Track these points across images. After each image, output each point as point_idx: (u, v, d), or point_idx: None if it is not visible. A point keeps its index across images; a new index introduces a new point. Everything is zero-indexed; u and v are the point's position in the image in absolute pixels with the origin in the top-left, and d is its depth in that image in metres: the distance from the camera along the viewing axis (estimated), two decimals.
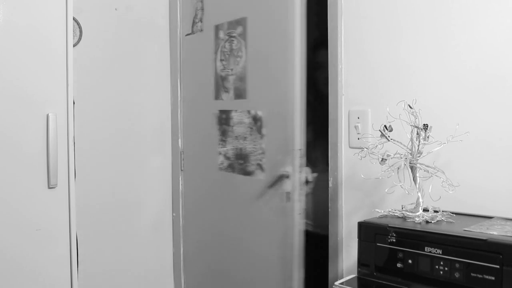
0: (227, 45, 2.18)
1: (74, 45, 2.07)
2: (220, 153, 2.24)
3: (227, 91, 2.19)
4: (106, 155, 2.38)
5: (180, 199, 2.50)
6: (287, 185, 1.84)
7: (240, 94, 2.12)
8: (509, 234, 1.12)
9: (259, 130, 2.00)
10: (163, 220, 2.55)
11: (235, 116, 2.14)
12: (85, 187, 2.21)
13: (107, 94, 2.37)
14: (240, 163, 2.12)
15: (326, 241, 1.99)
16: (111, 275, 2.41)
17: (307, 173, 1.92)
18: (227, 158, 2.19)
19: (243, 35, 2.08)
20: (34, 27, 1.51)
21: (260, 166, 2.00)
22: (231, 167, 2.17)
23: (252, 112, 2.03)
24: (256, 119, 2.02)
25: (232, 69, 2.16)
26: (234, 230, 2.22)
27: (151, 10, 2.48)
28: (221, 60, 2.22)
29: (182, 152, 2.49)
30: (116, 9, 2.38)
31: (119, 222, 2.42)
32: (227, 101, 2.19)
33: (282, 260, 1.89)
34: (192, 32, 2.38)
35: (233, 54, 2.15)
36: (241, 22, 2.08)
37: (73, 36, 2.07)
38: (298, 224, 1.82)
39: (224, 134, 2.21)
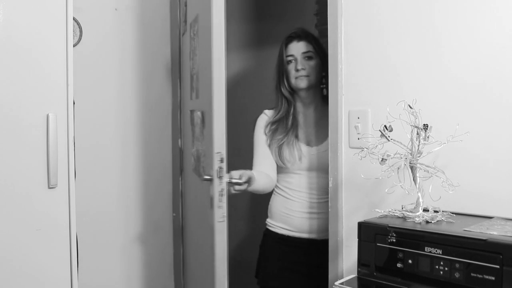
0: (192, 43, 2.11)
1: (74, 45, 2.07)
2: (191, 154, 2.17)
3: (193, 90, 2.12)
4: (106, 155, 2.38)
5: (180, 199, 2.50)
6: (210, 190, 1.71)
7: (197, 93, 2.04)
8: (509, 234, 1.12)
9: (202, 131, 1.91)
10: (163, 220, 2.55)
11: (195, 116, 2.06)
12: (85, 187, 2.21)
13: (107, 94, 2.37)
14: (197, 165, 2.04)
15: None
16: (111, 275, 2.41)
17: (231, 178, 1.77)
18: (194, 159, 2.12)
19: (197, 33, 2.00)
20: (34, 27, 1.51)
21: (203, 169, 1.89)
22: (195, 169, 2.10)
23: (199, 112, 1.95)
24: (202, 120, 1.92)
25: (194, 68, 2.09)
26: (194, 235, 2.22)
27: (151, 10, 2.48)
28: (191, 59, 2.16)
29: (182, 152, 2.48)
30: (116, 9, 2.38)
31: (119, 222, 2.42)
32: (193, 101, 2.14)
33: (209, 267, 1.76)
34: (186, 31, 2.35)
35: (195, 53, 2.07)
36: (196, 19, 2.00)
37: (73, 36, 2.07)
38: (219, 232, 1.66)
39: (193, 135, 2.13)
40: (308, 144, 2.03)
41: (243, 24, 3.07)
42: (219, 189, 1.65)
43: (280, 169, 2.06)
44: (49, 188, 1.54)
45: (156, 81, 2.51)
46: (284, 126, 2.04)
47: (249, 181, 1.83)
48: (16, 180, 1.48)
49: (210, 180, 1.68)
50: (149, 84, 2.49)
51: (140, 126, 2.47)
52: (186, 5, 2.28)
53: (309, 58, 2.01)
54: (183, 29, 2.38)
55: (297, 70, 2.00)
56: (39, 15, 1.52)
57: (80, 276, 1.67)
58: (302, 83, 2.01)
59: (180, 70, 2.47)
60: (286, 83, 2.04)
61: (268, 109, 2.12)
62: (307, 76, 2.00)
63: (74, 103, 1.61)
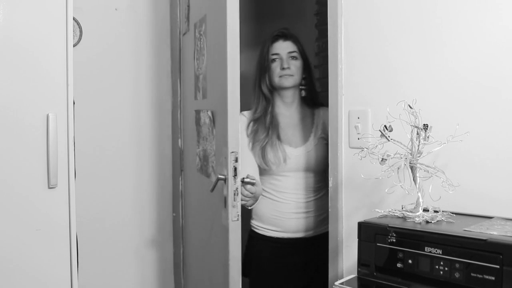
0: (198, 43, 2.08)
1: (74, 45, 2.07)
2: (196, 154, 2.15)
3: (199, 90, 2.09)
4: (106, 155, 2.38)
5: (180, 199, 2.50)
6: (224, 190, 1.72)
7: (204, 93, 2.01)
8: (509, 234, 1.12)
9: (212, 131, 1.90)
10: (163, 220, 2.55)
11: (202, 116, 2.03)
12: (85, 187, 2.22)
13: (107, 94, 2.37)
14: (204, 165, 2.02)
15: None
16: (110, 275, 2.41)
17: (246, 177, 1.79)
18: (200, 159, 2.09)
19: (205, 33, 1.98)
20: (34, 27, 1.51)
21: (213, 168, 1.89)
22: (201, 169, 2.08)
23: (209, 112, 1.93)
24: (211, 120, 1.90)
25: (201, 68, 2.06)
26: (198, 235, 2.20)
27: (151, 10, 2.48)
28: (196, 59, 2.13)
29: (182, 152, 2.48)
30: (116, 9, 2.38)
31: (119, 222, 2.43)
32: (199, 101, 2.11)
33: (223, 268, 1.76)
34: (187, 31, 2.33)
35: (201, 53, 2.04)
36: (204, 20, 1.99)
37: (73, 36, 2.07)
38: (233, 231, 1.68)
39: (198, 134, 2.11)
40: (292, 145, 2.01)
41: (242, 24, 3.06)
42: (234, 188, 1.66)
43: (264, 171, 2.02)
44: (49, 188, 1.54)
45: (156, 81, 2.51)
46: (263, 125, 2.01)
47: (257, 184, 1.84)
48: (16, 180, 1.48)
49: (224, 179, 1.68)
50: (149, 84, 2.49)
51: (140, 126, 2.47)
52: (188, 6, 2.27)
53: (294, 58, 2.01)
54: (184, 29, 2.37)
55: (282, 69, 1.99)
56: (39, 15, 1.52)
57: (80, 276, 1.67)
58: (287, 82, 2.00)
59: (181, 70, 2.46)
60: (267, 81, 2.03)
61: (245, 110, 2.08)
62: (291, 75, 1.99)
63: (74, 103, 1.61)
